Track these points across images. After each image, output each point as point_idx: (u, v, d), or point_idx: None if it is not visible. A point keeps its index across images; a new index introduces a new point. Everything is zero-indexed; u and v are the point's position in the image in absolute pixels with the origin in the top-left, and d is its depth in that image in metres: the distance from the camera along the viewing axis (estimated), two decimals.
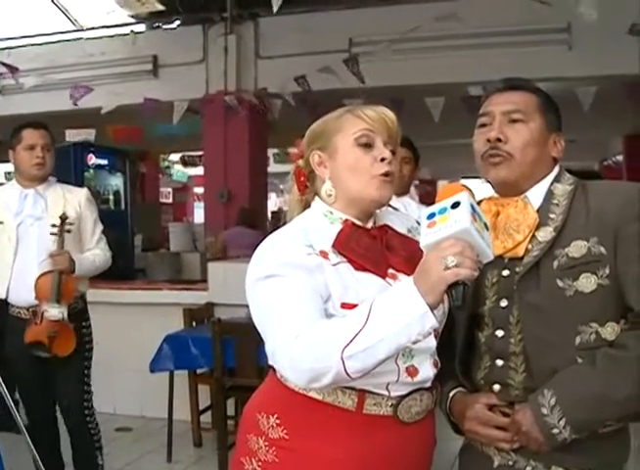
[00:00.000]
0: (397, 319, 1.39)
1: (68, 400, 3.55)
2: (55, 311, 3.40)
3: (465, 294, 1.36)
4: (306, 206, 1.79)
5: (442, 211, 1.41)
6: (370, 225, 1.72)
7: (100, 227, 3.70)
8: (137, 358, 4.57)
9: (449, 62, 6.64)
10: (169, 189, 18.49)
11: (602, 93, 6.80)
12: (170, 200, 18.60)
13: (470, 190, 1.45)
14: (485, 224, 1.43)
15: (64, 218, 3.43)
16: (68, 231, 3.45)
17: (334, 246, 1.62)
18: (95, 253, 3.63)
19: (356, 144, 1.67)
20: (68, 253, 3.42)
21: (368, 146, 1.67)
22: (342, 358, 1.41)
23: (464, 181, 1.75)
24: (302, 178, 1.78)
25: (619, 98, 6.93)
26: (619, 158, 13.19)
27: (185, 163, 13.12)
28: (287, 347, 1.47)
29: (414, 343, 1.49)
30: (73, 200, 3.60)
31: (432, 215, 1.43)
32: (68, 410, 3.56)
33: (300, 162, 1.78)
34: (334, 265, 1.59)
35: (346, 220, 1.69)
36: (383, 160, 1.66)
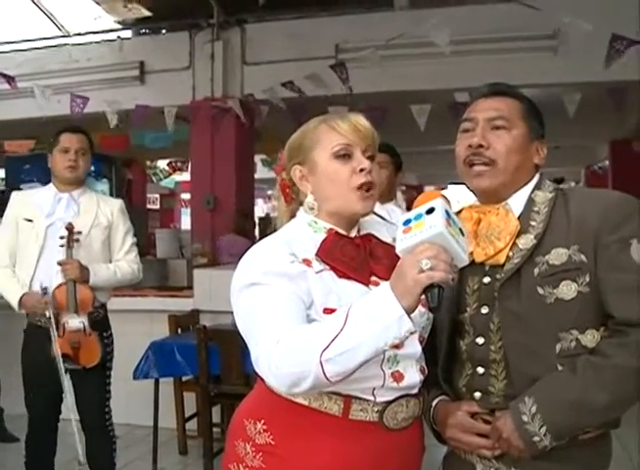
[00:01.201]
0: (374, 323, 1.41)
1: (89, 411, 3.57)
2: (75, 322, 3.43)
3: (440, 296, 1.38)
4: (293, 214, 1.81)
5: (418, 217, 1.44)
6: (354, 234, 1.75)
7: (131, 240, 3.71)
8: (122, 366, 4.52)
9: (436, 68, 6.65)
10: (157, 195, 18.43)
11: (587, 99, 6.84)
12: (157, 206, 18.54)
13: (445, 197, 1.48)
14: (461, 230, 1.46)
15: (70, 229, 3.44)
16: (77, 240, 3.46)
17: (317, 254, 1.64)
18: (119, 264, 3.62)
19: (334, 157, 1.69)
20: (78, 262, 3.42)
21: (346, 157, 1.69)
22: (320, 362, 1.42)
23: (452, 187, 1.76)
24: (288, 190, 1.81)
25: (605, 104, 6.97)
26: (606, 163, 13.25)
27: (172, 169, 13.06)
28: (267, 352, 1.49)
29: (397, 347, 1.54)
30: (106, 209, 3.64)
31: (407, 222, 1.46)
32: (89, 420, 3.58)
33: (284, 174, 1.80)
34: (317, 273, 1.61)
35: (330, 229, 1.71)
36: (362, 170, 1.67)
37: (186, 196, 16.91)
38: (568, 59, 6.40)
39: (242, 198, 8.19)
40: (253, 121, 7.85)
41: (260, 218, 13.49)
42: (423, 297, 1.40)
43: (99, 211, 3.60)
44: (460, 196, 1.78)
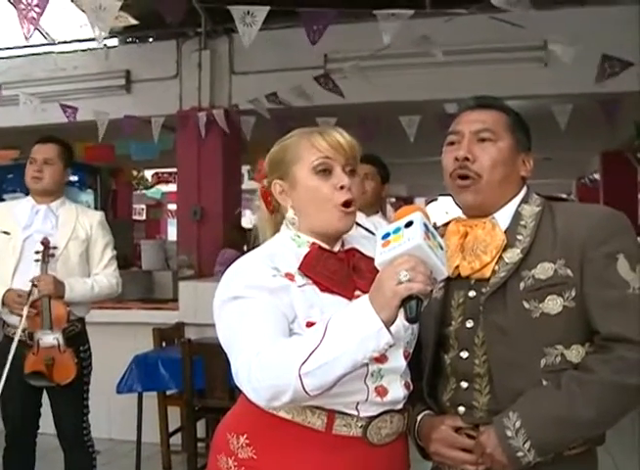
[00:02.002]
0: (352, 336, 1.42)
1: (67, 426, 3.55)
2: (49, 338, 3.40)
3: (419, 308, 1.40)
4: (277, 227, 1.82)
5: (396, 230, 1.47)
6: (337, 248, 1.76)
7: (110, 254, 3.68)
8: (105, 379, 4.52)
9: (425, 79, 6.68)
10: (143, 205, 18.40)
11: (578, 111, 6.88)
12: (144, 217, 18.50)
13: (424, 212, 1.50)
14: (440, 244, 1.48)
15: (46, 244, 3.43)
16: (52, 255, 3.44)
17: (300, 268, 1.66)
18: (97, 278, 3.60)
19: (314, 172, 1.70)
20: (53, 277, 3.40)
21: (327, 172, 1.70)
22: (299, 376, 1.43)
23: (441, 198, 1.78)
24: (269, 198, 1.82)
25: (596, 115, 7.01)
26: (596, 176, 13.32)
27: (158, 179, 13.07)
28: (247, 365, 1.50)
29: (381, 362, 1.58)
30: (85, 221, 3.61)
31: (386, 235, 1.48)
32: (66, 435, 3.56)
33: (265, 182, 1.81)
34: (299, 287, 1.63)
35: (313, 244, 1.73)
36: (342, 187, 1.69)
37: (173, 207, 16.92)
38: (558, 70, 6.43)
39: (229, 209, 8.19)
40: (240, 132, 7.85)
41: (248, 230, 13.48)
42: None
43: (77, 224, 3.58)
44: (449, 207, 1.80)
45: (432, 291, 1.46)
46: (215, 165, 7.95)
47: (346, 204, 1.69)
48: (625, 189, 11.45)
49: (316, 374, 1.43)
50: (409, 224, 1.46)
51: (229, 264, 1.72)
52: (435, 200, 19.86)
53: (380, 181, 3.85)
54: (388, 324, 1.42)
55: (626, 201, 11.02)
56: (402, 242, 1.43)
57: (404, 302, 1.40)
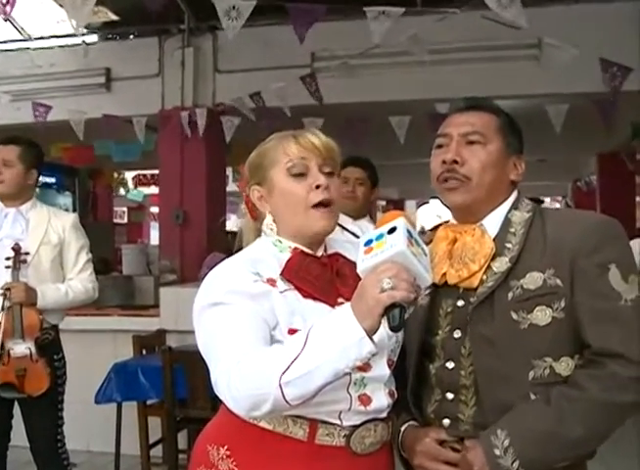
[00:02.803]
0: (334, 345, 1.43)
1: (40, 439, 3.51)
2: (20, 348, 3.36)
3: (402, 317, 1.40)
4: (259, 232, 1.83)
5: (379, 237, 1.48)
6: (320, 253, 1.77)
7: (85, 257, 3.64)
8: (83, 389, 4.52)
9: (416, 78, 6.70)
10: (124, 208, 18.36)
11: (574, 111, 6.91)
12: (125, 220, 18.46)
13: (408, 218, 1.51)
14: (424, 250, 1.49)
15: (17, 249, 3.40)
16: (24, 261, 3.42)
17: (282, 274, 1.67)
18: (72, 284, 3.56)
19: (289, 175, 1.72)
20: (25, 284, 3.37)
21: (302, 175, 1.71)
22: (279, 385, 1.44)
23: (433, 201, 1.79)
24: (251, 205, 1.83)
25: (592, 116, 7.04)
26: (593, 178, 13.37)
27: (139, 182, 13.03)
28: (227, 374, 1.51)
29: (364, 370, 1.59)
30: (58, 225, 3.57)
31: (369, 242, 1.49)
32: (39, 448, 3.53)
33: (247, 190, 1.82)
34: (281, 292, 1.64)
35: (296, 249, 1.74)
36: (318, 187, 1.70)
37: (155, 209, 16.87)
38: (552, 69, 6.47)
39: (213, 212, 8.18)
40: (224, 132, 7.84)
41: (233, 233, 13.46)
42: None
43: (49, 228, 3.54)
44: (441, 211, 1.82)
45: (416, 298, 1.45)
46: (199, 167, 7.93)
47: (322, 204, 1.70)
48: (623, 192, 11.51)
49: (297, 383, 1.44)
50: (392, 230, 1.46)
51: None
52: (427, 203, 19.89)
53: (370, 186, 3.88)
54: (370, 333, 1.42)
55: (623, 204, 11.10)
56: (385, 248, 1.44)
57: (387, 310, 1.40)
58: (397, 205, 18.56)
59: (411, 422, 1.78)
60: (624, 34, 6.23)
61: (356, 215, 3.73)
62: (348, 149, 5.90)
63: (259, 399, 1.47)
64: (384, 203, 18.39)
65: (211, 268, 1.71)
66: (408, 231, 1.46)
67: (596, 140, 10.11)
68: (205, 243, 7.79)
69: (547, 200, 20.62)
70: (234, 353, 1.52)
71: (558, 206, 19.51)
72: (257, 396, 1.47)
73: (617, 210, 10.14)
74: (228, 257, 1.74)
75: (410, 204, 20.17)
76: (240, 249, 1.81)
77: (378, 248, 1.45)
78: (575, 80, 6.34)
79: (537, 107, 6.90)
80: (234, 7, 5.13)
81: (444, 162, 1.74)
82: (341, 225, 3.64)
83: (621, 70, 5.69)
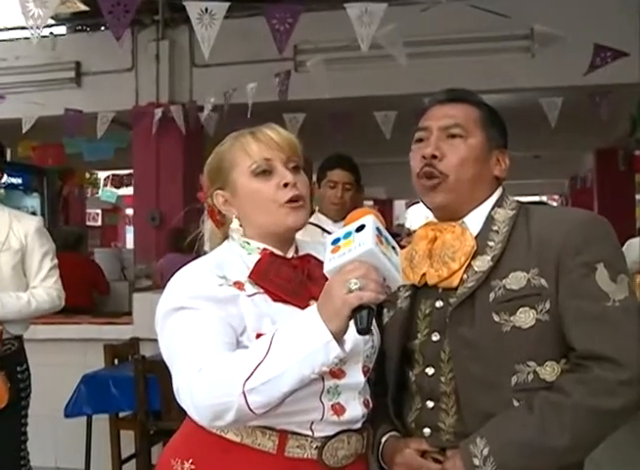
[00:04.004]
0: (299, 349, 1.42)
1: (1, 457, 3.45)
2: None
3: (370, 318, 1.40)
4: (226, 236, 1.83)
5: (347, 235, 1.47)
6: (291, 254, 1.77)
7: (49, 264, 3.58)
8: (51, 402, 4.49)
9: (402, 71, 6.69)
10: (98, 210, 18.31)
11: (569, 104, 6.94)
12: (99, 222, 18.42)
13: (377, 215, 1.51)
14: (394, 249, 1.48)
15: None
16: None
17: (250, 276, 1.67)
18: (35, 292, 3.50)
19: (254, 175, 1.71)
20: None
21: (267, 173, 1.71)
22: (243, 392, 1.44)
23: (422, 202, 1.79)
24: (217, 216, 1.84)
25: (589, 110, 7.07)
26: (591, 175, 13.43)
27: (112, 183, 12.99)
28: (189, 382, 1.51)
29: (337, 377, 1.60)
30: (20, 229, 3.51)
31: (336, 241, 1.49)
32: (1, 466, 3.47)
33: (210, 200, 1.82)
34: (249, 296, 1.64)
35: (265, 249, 1.74)
36: (286, 185, 1.70)
37: (131, 211, 16.83)
38: (546, 60, 6.49)
39: (190, 213, 8.16)
40: (203, 130, 7.82)
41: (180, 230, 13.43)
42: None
43: (11, 233, 3.48)
44: (429, 211, 1.81)
45: (387, 300, 1.47)
46: (175, 166, 7.93)
47: (292, 201, 1.70)
48: (622, 189, 11.57)
49: (261, 391, 1.43)
50: (360, 228, 1.46)
51: (169, 269, 1.72)
52: (417, 202, 19.92)
53: (356, 189, 3.89)
54: (337, 336, 1.42)
55: (622, 202, 11.16)
56: (353, 247, 1.43)
57: (355, 312, 1.40)
58: (385, 205, 18.58)
59: (392, 433, 1.77)
60: (623, 23, 6.25)
61: (344, 218, 3.73)
62: (331, 146, 5.93)
63: (222, 407, 1.47)
64: (371, 203, 18.41)
65: (167, 270, 1.71)
66: (377, 229, 1.45)
67: (594, 135, 10.16)
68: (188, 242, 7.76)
69: (543, 198, 20.75)
70: (196, 360, 1.52)
71: (555, 205, 19.61)
72: (220, 404, 1.47)
73: (616, 208, 10.21)
74: (183, 256, 1.73)
75: (399, 203, 20.19)
76: (198, 254, 1.81)
77: (345, 247, 1.45)
78: (570, 72, 6.36)
79: (531, 100, 6.92)
80: (206, 10, 4.96)
81: (424, 157, 1.74)
82: (320, 227, 3.66)
83: (613, 55, 5.68)
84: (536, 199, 17.10)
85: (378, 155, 9.69)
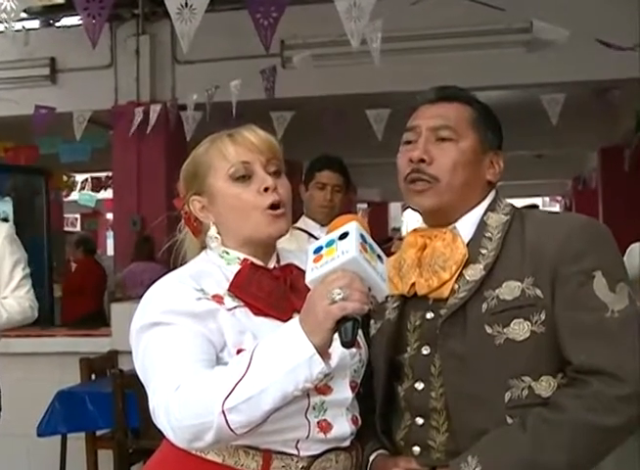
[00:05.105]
0: (281, 364, 1.42)
1: None
2: None
3: (355, 330, 1.39)
4: (204, 245, 1.82)
5: (330, 243, 1.47)
6: (272, 264, 1.76)
7: (21, 272, 3.57)
8: (24, 420, 4.46)
9: (395, 68, 6.69)
10: (77, 215, 18.29)
11: (571, 100, 6.94)
12: (78, 227, 18.39)
13: (362, 221, 1.50)
14: (380, 257, 1.48)
15: None
16: None
17: (229, 289, 1.66)
18: (6, 303, 3.50)
19: (232, 180, 1.70)
20: None
21: (246, 177, 1.70)
22: (222, 411, 1.43)
23: None
24: (195, 223, 1.82)
25: (592, 106, 7.08)
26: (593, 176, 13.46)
27: (91, 185, 12.96)
28: (165, 401, 1.50)
29: (324, 393, 1.59)
30: None
31: (318, 249, 1.48)
32: None
33: (186, 206, 1.81)
34: (229, 310, 1.63)
35: (245, 260, 1.73)
36: (266, 189, 1.69)
37: (111, 216, 16.80)
38: (546, 55, 6.49)
39: (174, 218, 8.14)
40: (184, 129, 7.80)
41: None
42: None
43: None
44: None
45: (372, 310, 1.46)
46: (157, 168, 7.91)
47: (273, 206, 1.69)
48: (628, 190, 11.55)
49: (242, 409, 1.43)
50: (344, 236, 1.45)
51: (132, 280, 1.70)
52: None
53: (345, 191, 3.89)
54: (321, 350, 1.41)
55: (629, 204, 11.14)
56: (336, 256, 1.43)
57: (339, 323, 1.39)
58: (380, 208, 18.54)
59: (381, 451, 1.76)
60: (625, 15, 6.25)
61: (326, 222, 3.73)
62: (321, 146, 5.92)
63: (201, 428, 1.46)
64: (365, 206, 18.39)
65: (130, 281, 1.69)
66: (362, 236, 1.45)
67: (598, 133, 10.18)
68: (166, 253, 7.74)
69: (546, 199, 20.79)
70: (173, 379, 1.51)
71: (557, 207, 19.66)
72: (199, 425, 1.46)
73: (622, 210, 10.21)
74: (145, 265, 1.71)
75: (394, 206, 20.15)
76: (175, 265, 1.80)
77: (328, 255, 1.44)
78: (572, 67, 6.36)
79: (531, 97, 6.93)
80: (186, 4, 4.91)
81: (411, 160, 1.72)
82: (307, 232, 3.64)
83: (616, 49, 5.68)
84: (531, 202, 17.11)
85: (371, 155, 9.70)
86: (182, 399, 1.47)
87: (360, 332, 1.52)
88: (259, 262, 1.73)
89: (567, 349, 1.58)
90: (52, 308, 8.54)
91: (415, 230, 1.83)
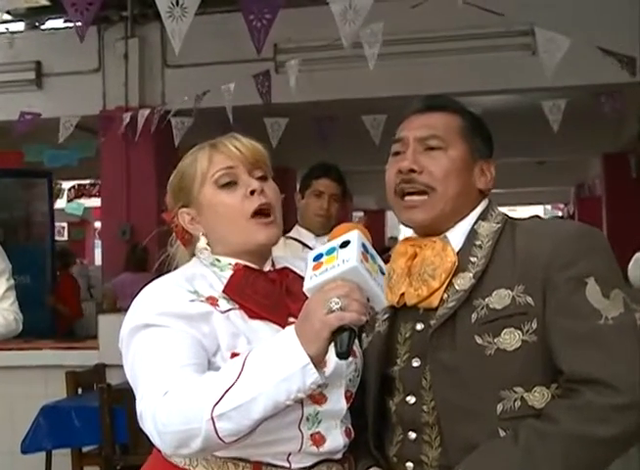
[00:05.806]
0: (274, 373, 1.43)
1: None
2: None
3: (351, 341, 1.40)
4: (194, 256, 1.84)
5: (330, 251, 1.48)
6: (268, 268, 1.78)
7: (5, 285, 3.60)
8: (8, 435, 4.47)
9: (392, 72, 6.71)
10: (64, 224, 18.25)
11: (573, 106, 6.95)
12: (65, 237, 18.34)
13: (364, 230, 1.51)
14: (381, 268, 1.50)
15: None
16: None
17: (224, 291, 1.67)
18: None
19: (218, 187, 1.73)
20: None
21: (232, 184, 1.73)
22: (211, 418, 1.43)
23: None
24: (186, 235, 1.84)
25: (594, 111, 7.09)
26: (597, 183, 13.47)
27: (78, 192, 12.94)
28: (153, 406, 1.50)
29: (318, 403, 1.60)
30: None
31: (319, 257, 1.50)
32: None
33: (176, 219, 1.83)
34: (224, 313, 1.64)
35: (237, 264, 1.74)
36: (252, 192, 1.71)
37: (100, 224, 16.76)
38: (548, 59, 6.50)
39: (165, 232, 8.13)
40: (174, 136, 7.79)
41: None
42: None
43: None
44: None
45: (368, 321, 1.48)
46: (147, 175, 7.91)
47: (261, 211, 1.71)
48: (632, 197, 11.56)
49: (231, 417, 1.43)
50: (345, 244, 1.46)
51: (122, 290, 1.71)
52: None
53: (343, 202, 3.91)
54: (316, 360, 1.42)
55: (634, 212, 11.16)
56: (336, 264, 1.44)
57: (335, 334, 1.40)
58: (377, 216, 18.52)
59: (374, 467, 1.75)
60: (627, 18, 6.28)
61: (326, 233, 3.74)
62: (317, 153, 5.92)
63: (188, 434, 1.46)
64: (361, 214, 18.38)
65: (120, 292, 1.70)
66: (363, 245, 1.47)
67: (601, 139, 10.19)
68: (156, 262, 7.73)
69: (548, 207, 20.80)
70: (162, 383, 1.52)
71: (560, 214, 19.65)
72: (186, 431, 1.46)
73: (627, 218, 10.22)
74: (135, 275, 1.73)
75: (392, 214, 20.11)
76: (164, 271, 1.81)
77: (328, 263, 1.46)
78: (574, 72, 6.37)
79: (532, 102, 6.95)
80: (177, 2, 4.92)
81: (400, 171, 1.74)
82: (301, 241, 3.65)
83: (624, 61, 5.70)
84: (532, 210, 17.11)
85: (368, 162, 9.66)
86: (170, 404, 1.48)
87: (356, 340, 1.53)
88: (253, 266, 1.75)
89: (559, 357, 1.58)
90: (53, 319, 8.51)
91: (406, 239, 1.84)
